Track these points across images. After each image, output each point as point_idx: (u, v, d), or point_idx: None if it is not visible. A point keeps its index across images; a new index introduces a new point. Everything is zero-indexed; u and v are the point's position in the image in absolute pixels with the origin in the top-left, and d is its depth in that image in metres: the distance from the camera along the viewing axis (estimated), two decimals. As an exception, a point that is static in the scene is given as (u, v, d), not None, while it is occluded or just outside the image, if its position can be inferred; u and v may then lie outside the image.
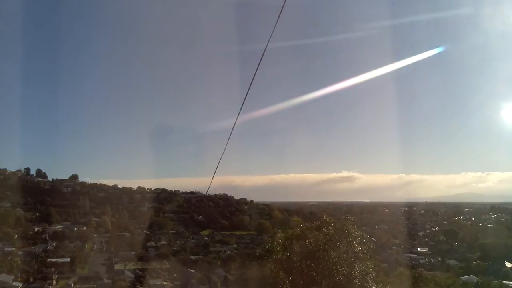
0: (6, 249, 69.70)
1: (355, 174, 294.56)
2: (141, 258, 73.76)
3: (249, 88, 7.81)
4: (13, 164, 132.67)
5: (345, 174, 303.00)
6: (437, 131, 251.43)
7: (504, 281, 49.86)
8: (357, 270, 17.51)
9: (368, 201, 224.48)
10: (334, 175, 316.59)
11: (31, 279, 60.62)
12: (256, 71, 7.48)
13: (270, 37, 7.00)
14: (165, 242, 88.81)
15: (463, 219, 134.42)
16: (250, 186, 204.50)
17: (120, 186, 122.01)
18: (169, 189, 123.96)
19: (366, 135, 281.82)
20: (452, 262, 78.06)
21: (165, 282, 61.27)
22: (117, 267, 69.07)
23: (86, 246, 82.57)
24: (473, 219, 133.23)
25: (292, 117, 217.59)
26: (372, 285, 17.90)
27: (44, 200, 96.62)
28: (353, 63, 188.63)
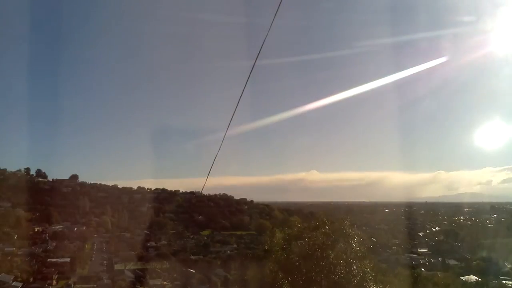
0: (6, 249, 69.71)
1: (354, 173, 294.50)
2: (141, 258, 73.74)
3: (242, 93, 7.98)
4: (13, 164, 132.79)
5: (346, 173, 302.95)
6: (437, 132, 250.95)
7: (504, 281, 49.92)
8: (355, 270, 17.55)
9: (368, 201, 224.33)
10: (335, 174, 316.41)
11: (31, 279, 60.64)
12: (248, 78, 7.67)
13: (260, 50, 7.22)
14: (165, 242, 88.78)
15: (463, 219, 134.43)
16: (251, 186, 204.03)
17: (120, 186, 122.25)
18: (169, 189, 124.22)
19: (367, 137, 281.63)
20: (452, 262, 78.03)
21: (165, 282, 61.29)
22: (117, 267, 69.08)
23: (86, 246, 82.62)
24: (473, 219, 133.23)
25: (294, 123, 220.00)
26: (371, 285, 17.93)
27: (44, 200, 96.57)
28: (353, 76, 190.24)
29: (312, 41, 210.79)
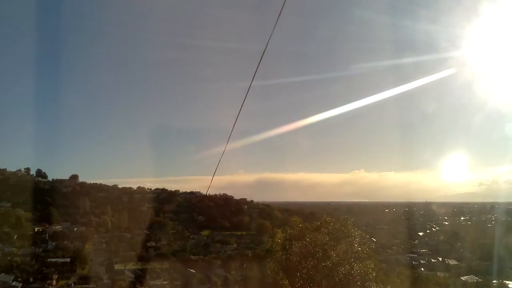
0: (6, 249, 69.73)
1: (355, 173, 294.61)
2: (141, 258, 73.71)
3: (242, 104, 8.17)
4: (13, 164, 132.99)
5: (345, 173, 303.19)
6: (435, 132, 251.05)
7: (504, 281, 49.90)
8: (356, 270, 17.53)
9: (368, 201, 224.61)
10: (335, 174, 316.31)
11: (31, 279, 60.61)
12: (250, 86, 7.92)
13: (257, 68, 7.68)
14: (165, 242, 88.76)
15: (463, 219, 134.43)
16: (251, 186, 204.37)
17: (120, 186, 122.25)
18: (169, 189, 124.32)
19: (368, 137, 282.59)
20: (452, 262, 78.03)
21: (165, 282, 61.25)
22: (117, 267, 69.00)
23: (86, 246, 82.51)
24: (474, 219, 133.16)
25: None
26: (372, 285, 17.91)
27: (44, 200, 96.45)
28: (353, 93, 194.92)
29: (311, 64, 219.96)
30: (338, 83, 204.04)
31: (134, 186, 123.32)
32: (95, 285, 59.92)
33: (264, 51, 7.47)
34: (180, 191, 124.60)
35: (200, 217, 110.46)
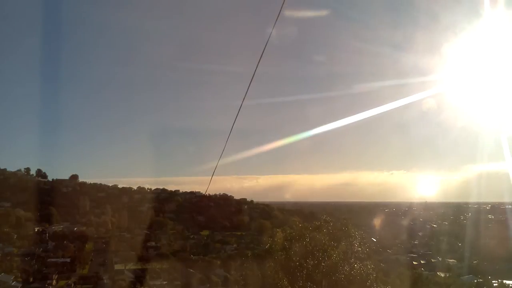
0: (6, 249, 69.73)
1: (353, 172, 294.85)
2: (141, 258, 73.67)
3: (246, 94, 8.23)
4: (13, 164, 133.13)
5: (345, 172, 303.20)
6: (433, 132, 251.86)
7: (504, 281, 49.98)
8: (357, 270, 17.55)
9: (368, 201, 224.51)
10: (335, 174, 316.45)
11: (31, 279, 60.62)
12: (248, 89, 8.08)
13: (249, 86, 8.02)
14: (165, 242, 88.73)
15: (463, 219, 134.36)
16: (251, 186, 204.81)
17: (120, 186, 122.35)
18: (169, 189, 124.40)
19: (365, 136, 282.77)
20: (452, 262, 78.06)
21: (165, 282, 61.25)
22: (117, 267, 69.02)
23: (86, 246, 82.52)
24: (473, 218, 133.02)
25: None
26: (372, 285, 17.93)
27: (44, 200, 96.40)
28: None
29: (308, 85, 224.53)
30: (338, 101, 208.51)
31: (134, 186, 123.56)
32: (95, 285, 59.93)
33: (256, 69, 7.76)
34: (180, 191, 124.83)
35: (200, 217, 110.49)
